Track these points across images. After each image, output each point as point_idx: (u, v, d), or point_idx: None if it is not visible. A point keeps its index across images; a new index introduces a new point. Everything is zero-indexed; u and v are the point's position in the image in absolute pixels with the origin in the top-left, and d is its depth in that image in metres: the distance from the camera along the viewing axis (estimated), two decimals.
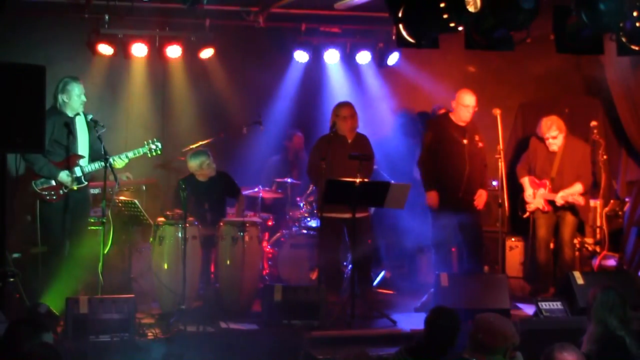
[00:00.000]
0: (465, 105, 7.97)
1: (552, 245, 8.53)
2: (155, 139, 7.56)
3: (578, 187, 8.06)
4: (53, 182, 7.02)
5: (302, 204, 8.76)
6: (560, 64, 9.13)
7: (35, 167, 6.98)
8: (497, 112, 7.91)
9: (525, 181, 8.32)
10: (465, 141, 7.98)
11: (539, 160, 8.28)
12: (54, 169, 7.00)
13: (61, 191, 7.05)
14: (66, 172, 7.04)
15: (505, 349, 4.36)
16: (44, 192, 7.00)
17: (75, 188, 7.09)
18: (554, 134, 8.11)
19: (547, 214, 8.26)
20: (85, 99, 7.23)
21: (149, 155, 7.52)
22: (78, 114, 7.22)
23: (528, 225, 8.48)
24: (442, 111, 8.64)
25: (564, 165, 8.15)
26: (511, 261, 8.77)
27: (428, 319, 4.79)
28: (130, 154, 7.37)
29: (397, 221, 9.36)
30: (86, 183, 7.21)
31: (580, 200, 8.02)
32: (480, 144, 7.99)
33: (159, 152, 7.58)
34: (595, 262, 8.65)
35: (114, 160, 7.15)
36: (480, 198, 8.04)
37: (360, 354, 4.53)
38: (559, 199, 8.06)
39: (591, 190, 8.42)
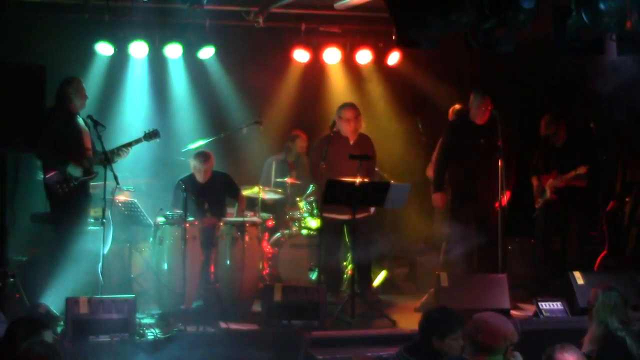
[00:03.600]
0: (474, 106, 8.00)
1: (554, 245, 8.56)
2: (151, 128, 7.58)
3: (581, 170, 8.11)
4: (64, 175, 7.06)
5: (302, 204, 8.76)
6: (560, 64, 9.12)
7: (47, 161, 7.05)
8: (497, 112, 7.91)
9: (535, 179, 8.45)
10: (482, 141, 7.95)
11: (546, 156, 8.39)
12: (65, 162, 7.06)
13: (72, 184, 7.10)
14: (75, 165, 7.09)
15: (506, 349, 4.34)
16: (56, 185, 7.03)
17: (83, 178, 7.15)
18: (553, 130, 8.20)
19: (549, 214, 8.28)
20: (87, 97, 7.35)
21: (149, 139, 7.51)
22: (78, 112, 7.29)
23: (528, 225, 8.49)
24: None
25: (570, 158, 8.25)
26: (511, 261, 8.77)
27: (421, 318, 4.75)
28: (133, 142, 7.39)
29: (398, 221, 9.38)
30: (95, 173, 7.24)
31: (583, 170, 8.06)
32: (498, 143, 7.93)
33: (157, 137, 7.57)
34: (596, 262, 8.66)
35: (117, 155, 7.18)
36: (502, 199, 7.95)
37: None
38: (559, 181, 8.13)
39: (594, 184, 8.46)
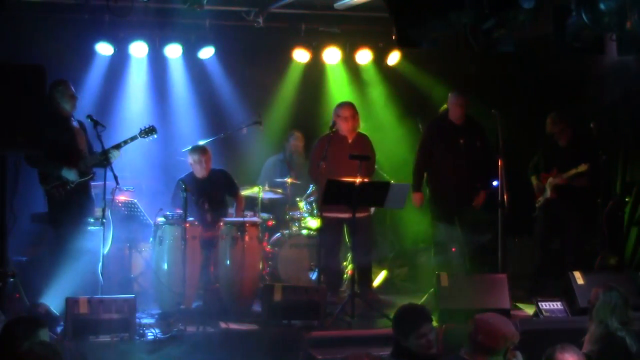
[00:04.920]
0: (452, 103, 8.05)
1: (553, 245, 8.58)
2: (147, 125, 7.54)
3: (582, 167, 8.12)
4: (60, 180, 7.04)
5: (302, 204, 8.76)
6: (560, 64, 9.13)
7: (39, 167, 7.03)
8: (496, 112, 7.92)
9: (534, 178, 8.46)
10: (461, 141, 7.98)
11: (548, 154, 8.40)
12: (59, 166, 7.03)
13: (68, 187, 7.08)
14: (69, 168, 7.06)
15: (506, 349, 4.34)
16: (53, 190, 7.03)
17: (79, 180, 7.12)
18: (558, 128, 8.22)
19: (548, 213, 8.29)
20: (77, 97, 7.29)
21: (144, 136, 7.46)
22: (72, 114, 7.27)
23: (528, 225, 8.49)
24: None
25: (572, 157, 8.25)
26: (511, 261, 8.76)
27: (400, 319, 4.70)
28: (129, 140, 7.35)
29: (398, 221, 9.38)
30: (92, 175, 7.22)
31: (584, 168, 8.06)
32: (478, 144, 8.00)
33: (154, 133, 7.49)
34: (596, 262, 8.66)
35: (112, 155, 7.15)
36: (478, 198, 8.05)
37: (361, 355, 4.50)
38: (559, 179, 8.15)
39: (594, 184, 8.45)
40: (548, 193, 8.27)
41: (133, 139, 7.38)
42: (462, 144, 8.00)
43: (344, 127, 8.02)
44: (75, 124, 7.32)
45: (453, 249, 8.31)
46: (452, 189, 8.00)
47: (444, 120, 8.21)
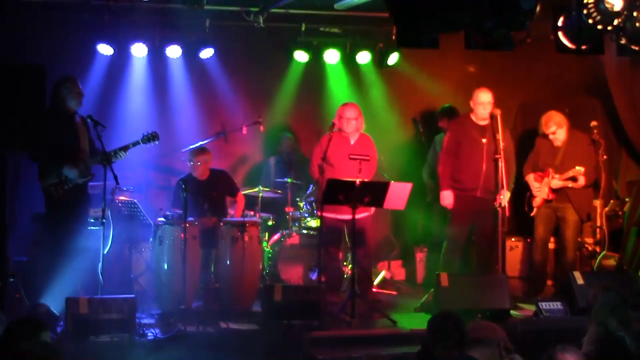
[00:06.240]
0: (480, 102, 7.96)
1: (551, 246, 8.57)
2: (150, 131, 7.54)
3: (577, 172, 8.06)
4: (59, 178, 7.03)
5: (302, 204, 8.76)
6: (560, 64, 9.14)
7: (42, 164, 7.01)
8: (497, 112, 7.91)
9: (530, 178, 8.37)
10: (484, 140, 7.93)
11: (543, 154, 8.35)
12: (60, 163, 7.02)
13: (66, 186, 7.06)
14: (71, 166, 7.05)
15: (497, 343, 4.36)
16: (51, 188, 7.02)
17: (80, 181, 7.11)
18: (552, 129, 8.20)
19: (547, 214, 8.28)
20: (83, 95, 7.28)
21: (147, 142, 7.45)
22: (76, 111, 7.25)
23: (528, 225, 8.49)
24: None
25: (567, 157, 8.19)
26: (511, 261, 8.77)
27: (433, 324, 4.68)
28: (130, 145, 7.34)
29: (398, 221, 9.38)
30: (92, 175, 7.21)
31: (580, 171, 8.01)
32: (502, 143, 7.91)
33: (156, 139, 7.47)
34: (595, 262, 8.66)
35: (115, 157, 7.14)
36: (503, 198, 7.94)
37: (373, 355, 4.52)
38: (557, 181, 8.10)
39: (593, 184, 8.43)
40: (545, 193, 8.24)
41: (135, 144, 7.37)
42: (485, 144, 7.95)
43: (347, 128, 7.99)
44: (78, 121, 7.31)
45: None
46: (473, 189, 7.95)
47: (467, 120, 8.14)
